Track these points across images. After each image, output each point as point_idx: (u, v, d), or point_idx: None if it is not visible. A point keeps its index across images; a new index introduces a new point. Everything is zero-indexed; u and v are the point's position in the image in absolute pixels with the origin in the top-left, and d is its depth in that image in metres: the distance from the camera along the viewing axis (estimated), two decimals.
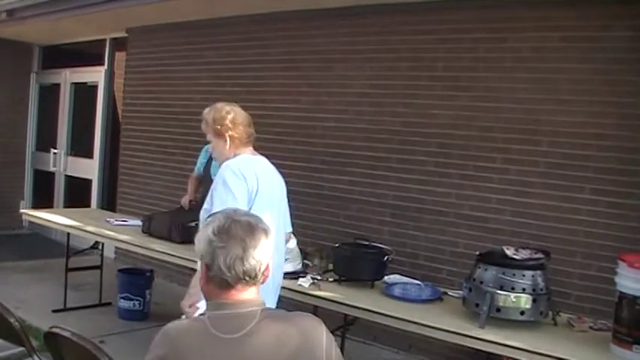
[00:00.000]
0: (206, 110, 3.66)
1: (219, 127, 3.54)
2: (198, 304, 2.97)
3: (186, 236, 5.04)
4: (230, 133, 3.52)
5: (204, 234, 2.00)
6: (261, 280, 2.01)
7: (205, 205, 3.30)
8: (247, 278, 1.96)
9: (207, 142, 5.46)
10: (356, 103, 6.12)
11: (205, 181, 5.59)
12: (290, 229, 3.93)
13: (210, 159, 5.56)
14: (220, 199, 3.19)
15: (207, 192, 5.23)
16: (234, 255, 1.94)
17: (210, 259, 1.96)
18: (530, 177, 5.07)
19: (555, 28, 4.99)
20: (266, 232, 2.03)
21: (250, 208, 3.15)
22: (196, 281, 2.84)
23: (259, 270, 1.98)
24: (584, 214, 4.82)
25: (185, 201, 5.86)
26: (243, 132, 3.56)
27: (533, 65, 5.09)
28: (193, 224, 5.17)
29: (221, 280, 1.96)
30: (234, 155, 3.51)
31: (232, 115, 3.55)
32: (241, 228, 1.97)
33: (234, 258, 1.94)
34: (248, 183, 3.27)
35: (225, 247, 1.94)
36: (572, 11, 4.91)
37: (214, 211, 2.91)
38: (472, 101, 5.38)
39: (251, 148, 3.64)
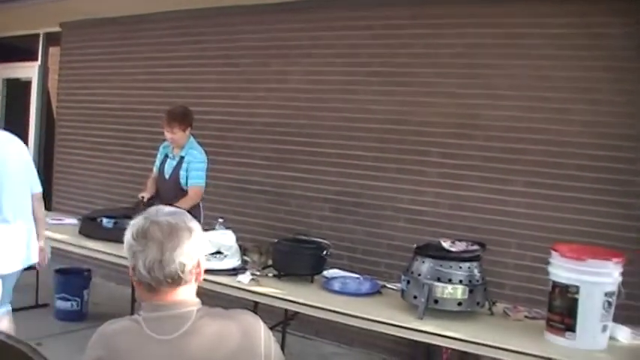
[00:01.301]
0: None
1: None
2: None
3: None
4: None
5: (126, 236, 1.94)
6: (190, 280, 1.94)
7: None
8: (169, 281, 1.90)
9: (164, 140, 5.42)
10: (294, 98, 6.13)
11: (160, 180, 5.52)
12: (40, 190, 4.59)
13: (166, 156, 5.49)
14: None
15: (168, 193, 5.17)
16: (152, 259, 1.87)
17: (133, 262, 1.91)
18: (465, 170, 5.16)
19: (490, 24, 5.09)
20: (191, 230, 1.94)
21: None
22: None
23: (182, 271, 1.90)
24: (518, 206, 4.94)
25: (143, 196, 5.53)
26: None
27: (469, 61, 5.18)
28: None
29: (144, 284, 1.91)
30: None
31: None
32: (160, 229, 1.90)
33: (153, 262, 1.87)
34: None
35: (144, 250, 1.88)
36: (506, 8, 5.02)
37: None
38: (409, 96, 5.45)
39: None
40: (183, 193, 5.29)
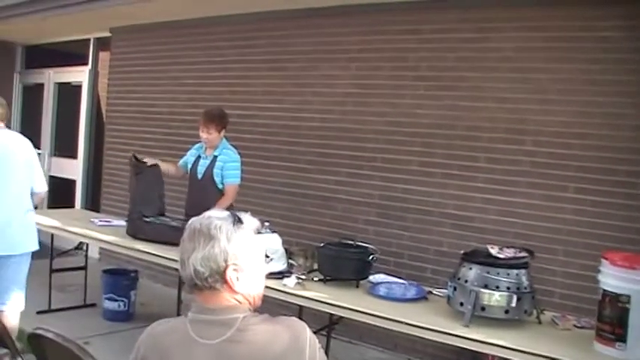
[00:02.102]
0: None
1: None
2: None
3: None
4: None
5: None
6: (216, 286, 1.91)
7: None
8: (191, 284, 1.92)
9: (199, 141, 5.51)
10: (341, 102, 6.13)
11: (191, 180, 5.62)
12: (42, 189, 5.01)
13: (198, 157, 5.57)
14: None
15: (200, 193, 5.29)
16: (179, 260, 1.94)
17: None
18: (514, 176, 5.09)
19: (539, 27, 5.02)
20: (212, 237, 1.91)
21: None
22: None
23: (197, 277, 1.89)
24: (567, 212, 4.86)
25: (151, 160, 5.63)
26: None
27: (517, 65, 5.12)
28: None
29: (187, 282, 1.95)
30: None
31: None
32: (187, 232, 1.93)
33: (180, 263, 1.94)
34: None
35: (179, 251, 1.95)
36: (554, 11, 4.95)
37: None
38: (456, 101, 5.41)
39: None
40: (215, 191, 5.37)
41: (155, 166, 5.53)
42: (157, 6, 6.80)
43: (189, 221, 1.96)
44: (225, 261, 1.90)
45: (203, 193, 5.37)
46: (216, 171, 5.39)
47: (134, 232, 5.33)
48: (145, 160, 5.53)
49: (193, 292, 1.94)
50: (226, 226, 1.93)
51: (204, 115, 5.42)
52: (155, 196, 5.50)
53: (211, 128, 5.33)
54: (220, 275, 1.91)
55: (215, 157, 5.42)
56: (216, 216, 1.97)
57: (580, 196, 4.81)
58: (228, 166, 5.38)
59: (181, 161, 5.78)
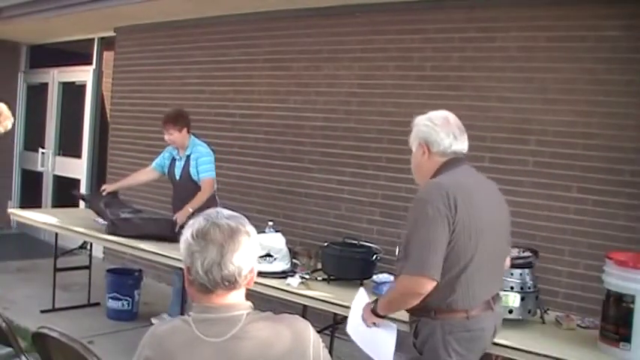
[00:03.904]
0: None
1: None
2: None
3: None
4: None
5: (184, 236, 1.96)
6: (244, 284, 1.97)
7: None
8: (226, 283, 1.92)
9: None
10: (345, 102, 6.12)
11: (172, 182, 5.86)
12: None
13: (174, 159, 5.79)
14: None
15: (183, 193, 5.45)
16: (211, 260, 1.89)
17: (190, 262, 1.92)
18: (518, 176, 5.08)
19: (543, 27, 5.01)
20: (249, 234, 1.98)
21: None
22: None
23: (239, 275, 1.93)
24: (572, 212, 4.85)
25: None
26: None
27: (522, 65, 5.11)
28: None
29: (200, 285, 1.92)
30: None
31: None
32: (221, 232, 1.92)
33: (212, 263, 1.89)
34: None
35: (202, 251, 1.90)
36: (559, 11, 4.93)
37: None
38: (461, 100, 5.39)
39: None
40: (195, 188, 5.53)
41: (111, 193, 5.82)
42: (161, 6, 6.80)
43: (211, 221, 1.95)
44: (255, 258, 2.00)
45: (185, 192, 5.55)
46: (192, 170, 5.59)
47: (113, 231, 5.42)
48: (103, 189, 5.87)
49: (211, 293, 1.94)
50: (250, 224, 2.02)
51: (163, 118, 5.66)
52: (117, 202, 5.80)
53: (170, 129, 5.55)
54: (250, 272, 1.97)
55: (188, 156, 5.63)
56: (234, 214, 2.03)
57: (584, 195, 4.80)
58: (201, 161, 5.57)
59: (154, 164, 5.97)
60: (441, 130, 3.19)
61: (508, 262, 3.29)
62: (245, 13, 6.78)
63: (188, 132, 5.65)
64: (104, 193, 5.76)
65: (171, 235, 4.97)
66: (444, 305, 2.84)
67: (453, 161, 3.08)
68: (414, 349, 3.01)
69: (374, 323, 3.08)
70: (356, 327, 3.18)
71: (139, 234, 5.26)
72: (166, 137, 5.59)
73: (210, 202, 5.35)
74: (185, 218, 5.06)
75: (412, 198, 5.51)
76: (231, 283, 1.92)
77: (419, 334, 2.97)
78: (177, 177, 5.70)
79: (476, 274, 2.84)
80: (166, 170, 5.85)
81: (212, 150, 5.71)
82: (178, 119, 5.60)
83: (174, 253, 4.63)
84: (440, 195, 2.80)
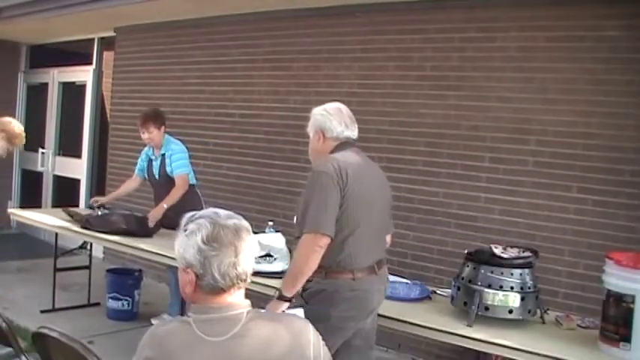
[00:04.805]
0: None
1: None
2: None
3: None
4: None
5: (191, 242, 1.95)
6: (245, 282, 2.00)
7: None
8: (240, 282, 1.96)
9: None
10: (345, 102, 6.00)
11: (152, 183, 5.95)
12: None
13: (150, 160, 5.89)
14: None
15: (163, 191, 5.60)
16: (227, 262, 1.92)
17: (202, 268, 1.93)
18: (518, 176, 5.08)
19: (543, 27, 5.01)
20: (248, 230, 2.01)
21: None
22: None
23: (249, 271, 1.98)
24: (571, 212, 4.85)
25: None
26: None
27: (521, 65, 5.11)
28: None
29: (213, 288, 1.94)
30: None
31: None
32: (230, 232, 1.95)
33: (228, 265, 1.92)
34: None
35: (218, 255, 1.92)
36: (559, 11, 4.93)
37: None
38: (460, 100, 5.40)
39: None
40: (174, 186, 5.62)
41: (102, 206, 5.99)
42: (160, 6, 6.81)
43: (217, 223, 1.97)
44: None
45: (165, 191, 5.62)
46: (167, 168, 5.68)
47: (86, 227, 5.58)
48: (95, 201, 6.13)
49: (220, 293, 1.96)
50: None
51: (141, 117, 5.73)
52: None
53: (150, 127, 5.63)
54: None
55: (163, 155, 5.72)
56: (230, 212, 2.06)
57: (584, 195, 4.80)
58: (174, 158, 5.67)
59: (137, 171, 6.09)
60: (334, 118, 3.60)
61: (389, 239, 3.71)
62: (245, 13, 6.78)
63: (165, 130, 5.76)
64: (95, 205, 5.95)
65: (140, 231, 5.33)
66: (334, 265, 3.21)
67: (344, 144, 3.50)
68: (300, 298, 3.26)
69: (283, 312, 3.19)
70: None
71: (110, 230, 5.39)
72: (145, 136, 5.67)
73: (193, 198, 5.60)
74: (159, 215, 5.36)
75: (413, 198, 5.58)
76: (243, 281, 1.97)
77: (308, 289, 3.28)
78: (157, 177, 5.79)
79: (362, 240, 3.26)
80: (146, 172, 5.96)
81: (186, 147, 5.82)
82: (158, 117, 5.70)
83: (174, 253, 4.62)
84: (332, 166, 3.21)
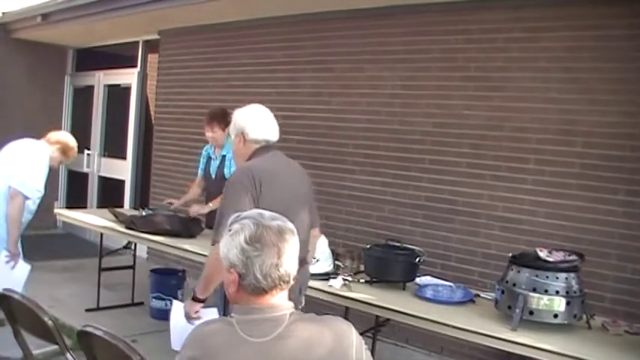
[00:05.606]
0: None
1: None
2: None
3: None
4: None
5: (234, 242, 1.96)
6: (293, 282, 2.00)
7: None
8: (282, 283, 1.96)
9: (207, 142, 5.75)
10: (388, 104, 6.10)
11: (207, 181, 5.89)
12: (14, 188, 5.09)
13: (209, 159, 5.86)
14: None
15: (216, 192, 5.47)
16: (269, 263, 1.93)
17: (244, 267, 1.94)
18: (564, 178, 5.00)
19: (589, 26, 4.92)
20: (292, 232, 2.01)
21: None
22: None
23: (293, 273, 1.98)
24: (618, 215, 4.75)
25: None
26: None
27: (567, 65, 5.03)
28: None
29: (255, 288, 1.95)
30: None
31: None
32: (273, 234, 1.95)
33: (270, 266, 1.93)
34: None
35: (260, 255, 1.93)
36: (605, 9, 4.84)
37: None
38: (505, 102, 5.34)
39: None
40: None
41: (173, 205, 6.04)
42: (204, 9, 6.85)
43: (260, 224, 1.98)
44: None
45: (218, 191, 5.52)
46: (226, 170, 5.61)
47: (128, 225, 5.70)
48: (168, 202, 6.17)
49: (264, 294, 1.97)
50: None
51: (208, 114, 5.73)
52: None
53: (215, 127, 5.60)
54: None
55: (224, 156, 5.65)
56: (274, 214, 2.07)
57: (631, 198, 4.70)
58: (233, 162, 5.60)
59: (199, 171, 6.04)
60: (255, 121, 3.64)
61: (317, 231, 3.87)
62: (287, 14, 6.80)
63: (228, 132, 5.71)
64: (171, 207, 5.98)
65: (183, 232, 5.44)
66: None
67: (263, 148, 3.57)
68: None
69: (197, 312, 3.30)
70: (180, 338, 3.17)
71: (154, 230, 5.48)
72: (209, 134, 5.66)
73: None
74: (202, 211, 5.51)
75: (457, 200, 5.53)
76: (286, 283, 1.97)
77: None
78: (214, 176, 5.74)
79: None
80: (202, 170, 5.94)
81: None
82: (225, 117, 5.59)
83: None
84: (246, 175, 3.29)
